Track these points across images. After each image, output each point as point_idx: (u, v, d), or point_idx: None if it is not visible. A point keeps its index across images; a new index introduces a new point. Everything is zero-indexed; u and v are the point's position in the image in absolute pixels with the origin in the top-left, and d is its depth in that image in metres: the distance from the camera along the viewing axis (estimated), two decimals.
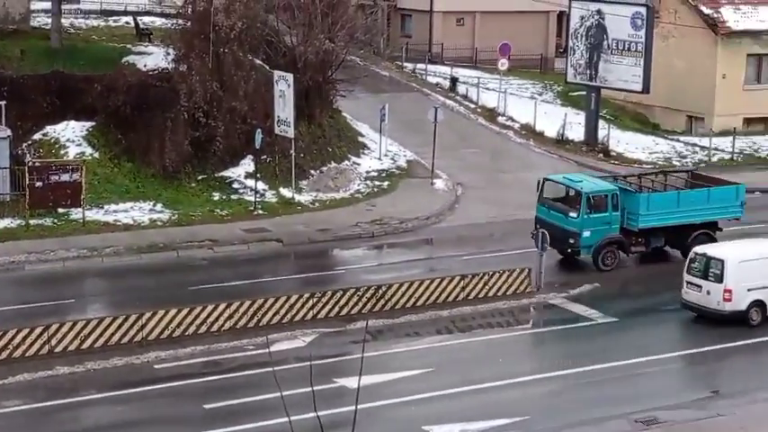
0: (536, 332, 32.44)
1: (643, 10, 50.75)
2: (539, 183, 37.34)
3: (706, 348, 29.93)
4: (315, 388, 13.63)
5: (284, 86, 42.44)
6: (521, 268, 34.08)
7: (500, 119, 56.96)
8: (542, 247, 33.79)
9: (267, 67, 46.66)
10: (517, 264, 34.65)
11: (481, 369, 28.37)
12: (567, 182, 36.94)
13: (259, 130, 41.30)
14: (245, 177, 43.17)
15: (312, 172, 45.16)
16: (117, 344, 28.85)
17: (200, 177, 43.16)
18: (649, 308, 33.93)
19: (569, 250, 35.94)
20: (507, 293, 33.64)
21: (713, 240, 36.30)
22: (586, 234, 35.48)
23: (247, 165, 43.52)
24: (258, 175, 42.34)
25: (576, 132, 53.98)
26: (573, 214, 35.56)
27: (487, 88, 61.02)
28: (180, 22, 46.75)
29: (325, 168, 45.71)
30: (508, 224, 41.02)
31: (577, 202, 35.66)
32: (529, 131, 55.05)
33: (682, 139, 55.89)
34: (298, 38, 47.67)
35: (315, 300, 31.26)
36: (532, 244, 34.21)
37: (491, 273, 33.72)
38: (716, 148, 52.99)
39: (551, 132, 54.21)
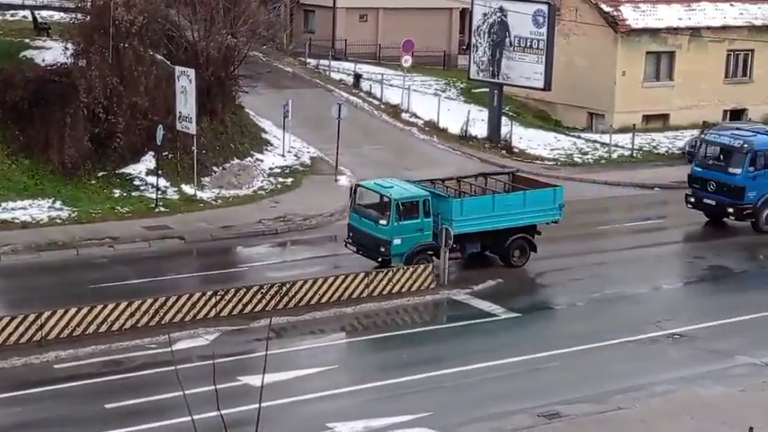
0: (440, 328, 32.54)
1: (545, 8, 51.23)
2: (351, 189, 36.54)
3: (605, 343, 30.26)
4: (218, 386, 13.45)
5: (186, 82, 42.05)
6: (425, 265, 34.17)
7: (404, 115, 57.11)
8: (446, 243, 33.91)
9: (168, 63, 46.19)
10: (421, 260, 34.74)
11: (385, 366, 28.38)
12: (378, 188, 35.23)
13: (160, 126, 40.86)
14: (147, 174, 42.71)
15: (214, 168, 44.83)
16: (15, 344, 28.31)
17: (100, 174, 42.58)
18: (552, 303, 34.31)
19: (380, 259, 34.62)
20: (412, 290, 33.70)
21: (532, 245, 36.01)
22: (397, 242, 34.14)
23: (148, 161, 43.06)
24: (159, 172, 41.90)
25: (480, 129, 54.33)
26: (383, 221, 34.15)
27: (391, 85, 61.16)
28: (79, 16, 46.04)
29: (227, 165, 45.39)
30: None
31: (387, 209, 34.19)
32: (432, 128, 55.27)
33: (583, 135, 56.60)
34: (199, 33, 47.26)
35: (218, 298, 31.00)
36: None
37: (395, 269, 33.77)
38: (616, 145, 53.70)
39: (455, 129, 54.49)
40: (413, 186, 35.56)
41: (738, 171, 40.47)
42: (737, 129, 43.97)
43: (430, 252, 34.78)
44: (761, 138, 41.51)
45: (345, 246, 35.41)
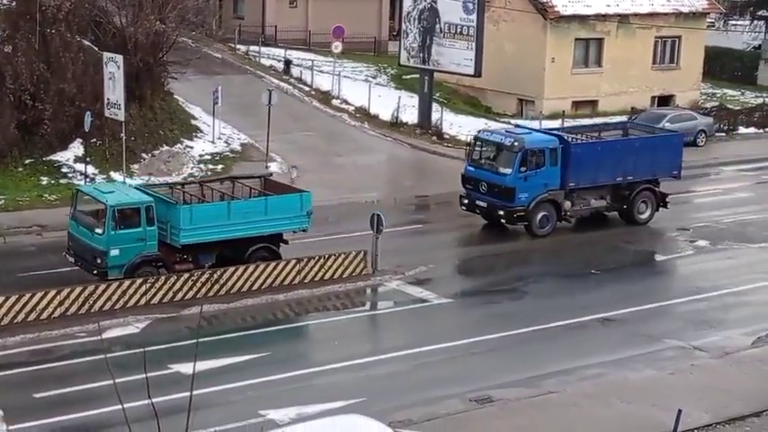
0: (372, 314, 32.56)
1: None
2: (73, 194, 33.54)
3: (536, 327, 30.44)
4: (149, 374, 13.31)
5: (114, 68, 41.57)
6: (357, 251, 34.14)
7: (334, 102, 57.03)
8: (377, 229, 33.89)
9: (96, 49, 45.72)
10: (353, 246, 34.70)
11: (317, 352, 28.34)
12: (95, 193, 32.05)
13: (88, 112, 40.41)
14: (75, 161, 42.27)
15: (144, 155, 44.45)
16: None
17: (27, 161, 42.08)
18: (483, 288, 34.43)
19: (95, 271, 31.31)
20: (344, 276, 33.68)
21: (276, 255, 33.27)
22: (114, 252, 30.95)
23: (76, 148, 42.62)
24: (88, 159, 41.47)
25: (410, 115, 54.41)
26: (98, 230, 31.00)
27: (322, 71, 61.03)
28: (4, 1, 45.46)
29: (157, 152, 45.04)
30: (344, 207, 41.16)
31: (103, 217, 30.99)
32: (363, 114, 55.24)
33: (513, 121, 56.82)
34: (127, 18, 46.81)
35: (148, 285, 30.73)
36: (368, 227, 34.27)
37: (327, 256, 33.70)
38: None
39: (386, 115, 54.52)
40: (135, 192, 32.58)
41: (509, 171, 38.05)
42: (517, 125, 41.91)
43: (157, 264, 31.79)
44: (533, 136, 39.29)
45: (65, 257, 32.49)
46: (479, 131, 41.31)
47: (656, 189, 40.90)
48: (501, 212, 38.30)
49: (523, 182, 38.04)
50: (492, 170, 38.60)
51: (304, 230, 33.84)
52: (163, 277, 31.17)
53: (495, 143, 38.96)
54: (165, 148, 45.58)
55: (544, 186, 38.38)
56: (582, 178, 39.00)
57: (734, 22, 77.85)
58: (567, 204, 39.08)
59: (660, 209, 40.88)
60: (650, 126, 45.43)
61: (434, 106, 54.43)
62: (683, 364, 28.19)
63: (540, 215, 38.49)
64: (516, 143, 38.17)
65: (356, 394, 25.66)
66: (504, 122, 56.19)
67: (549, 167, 38.35)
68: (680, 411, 21.01)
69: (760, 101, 63.74)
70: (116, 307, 30.19)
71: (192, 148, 46.69)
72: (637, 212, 40.49)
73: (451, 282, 34.43)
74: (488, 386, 26.33)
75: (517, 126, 41.02)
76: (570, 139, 39.71)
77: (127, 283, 30.54)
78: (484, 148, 39.39)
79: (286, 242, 33.93)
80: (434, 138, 52.45)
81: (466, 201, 39.42)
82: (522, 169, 38.00)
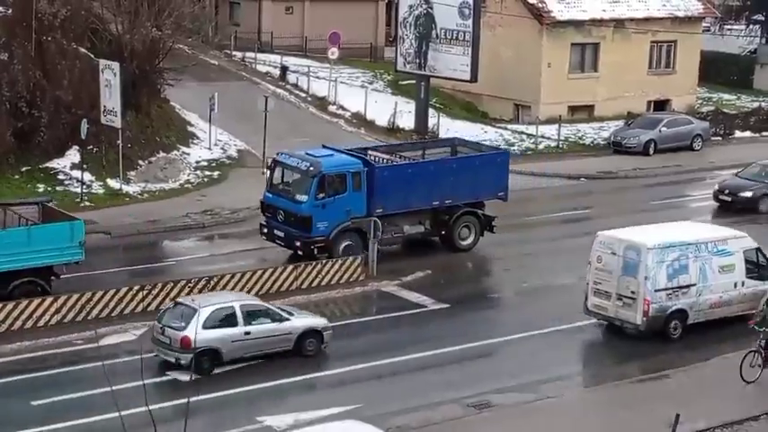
0: (369, 320, 32.51)
1: (470, 0, 51.40)
2: None
3: (534, 332, 30.44)
4: (146, 381, 13.34)
5: (110, 75, 41.61)
6: (354, 257, 34.14)
7: (331, 108, 57.04)
8: (375, 234, 33.89)
9: (92, 56, 45.67)
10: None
11: (314, 358, 28.29)
12: None
13: (85, 120, 40.43)
14: (71, 168, 42.25)
15: (140, 162, 44.44)
16: None
17: (23, 169, 42.05)
18: (480, 294, 34.45)
19: None
20: (341, 282, 33.68)
21: (45, 291, 30.27)
22: None
23: (73, 156, 42.61)
24: (84, 166, 41.47)
25: (407, 121, 54.43)
26: None
27: (318, 77, 61.03)
28: (0, 9, 45.40)
29: (153, 159, 45.03)
30: None
31: None
32: (360, 120, 55.26)
33: (509, 127, 56.92)
34: (124, 26, 46.81)
35: (145, 292, 30.73)
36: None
37: (324, 261, 33.71)
38: (542, 136, 54.10)
39: (382, 121, 54.53)
40: None
41: (305, 198, 34.30)
42: (324, 146, 37.19)
43: None
44: (332, 159, 35.18)
45: None
46: (278, 153, 36.84)
47: (481, 212, 37.33)
48: (298, 243, 34.59)
49: (321, 210, 34.29)
50: (288, 197, 34.96)
51: (77, 263, 31.06)
52: (159, 284, 31.16)
53: (292, 167, 35.21)
54: (162, 154, 45.57)
55: (347, 214, 34.65)
56: (391, 203, 35.29)
57: (729, 27, 77.83)
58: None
59: (486, 233, 37.46)
60: (479, 144, 41.92)
61: (431, 112, 54.43)
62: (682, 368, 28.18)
63: (342, 245, 34.79)
64: (312, 167, 34.39)
65: (353, 400, 25.66)
66: (500, 127, 56.29)
67: (352, 193, 34.63)
68: (677, 416, 21.05)
69: (756, 105, 63.76)
70: (113, 314, 30.19)
71: (188, 154, 46.69)
72: (458, 238, 36.72)
73: (448, 287, 34.39)
74: (486, 391, 26.34)
75: (324, 147, 36.85)
76: (376, 162, 36.38)
77: (124, 290, 30.53)
78: (281, 173, 35.72)
79: (57, 276, 31.08)
80: None
81: (265, 230, 35.71)
82: (320, 196, 34.22)
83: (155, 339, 27.30)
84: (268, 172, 36.48)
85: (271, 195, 35.65)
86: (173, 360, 26.63)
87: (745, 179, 44.22)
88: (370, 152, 37.53)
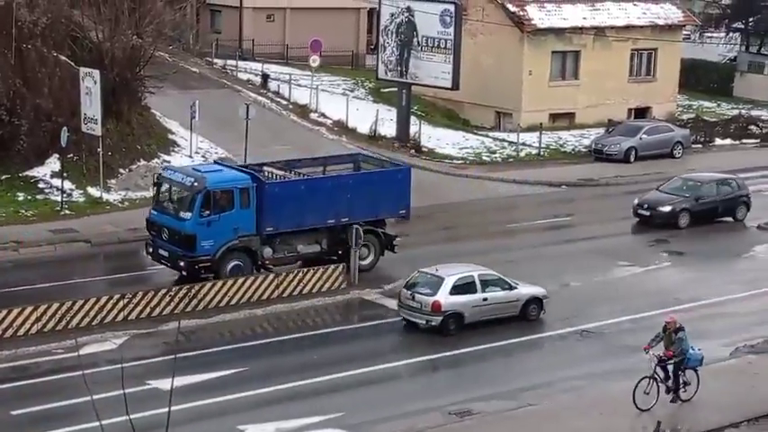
0: (350, 328, 32.45)
1: (452, 7, 51.51)
2: None
3: (515, 340, 30.47)
4: (127, 390, 13.27)
5: (91, 83, 41.47)
6: (335, 265, 34.09)
7: (312, 115, 57.00)
8: (356, 242, 33.84)
9: (73, 64, 45.52)
10: (332, 260, 34.66)
11: (295, 367, 28.24)
12: None
13: (65, 128, 40.27)
14: (51, 177, 42.09)
15: (121, 170, 44.30)
16: None
17: (3, 177, 41.88)
18: None
19: None
20: (322, 290, 33.61)
21: None
22: None
23: (53, 164, 42.44)
24: (65, 174, 41.31)
25: (389, 128, 54.43)
26: None
27: (299, 85, 61.02)
28: None
29: (134, 167, 44.89)
30: None
31: None
32: (341, 128, 55.23)
33: (491, 134, 56.99)
34: (104, 33, 46.67)
35: (125, 301, 30.62)
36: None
37: (306, 270, 33.64)
38: (523, 144, 54.16)
39: (364, 129, 54.52)
40: None
41: (188, 216, 32.80)
42: (216, 162, 36.68)
43: None
44: (219, 174, 33.71)
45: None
46: (163, 169, 36.35)
47: (381, 231, 35.79)
48: (182, 263, 32.93)
49: (206, 227, 32.76)
50: (172, 214, 33.49)
51: None
52: (140, 293, 31.05)
53: (177, 183, 33.70)
54: (143, 162, 45.44)
55: (234, 232, 33.18)
56: (283, 221, 33.83)
57: (709, 35, 78.19)
58: (268, 251, 33.88)
59: (387, 252, 36.01)
60: (382, 160, 39.95)
61: (412, 119, 54.44)
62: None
63: (230, 265, 33.30)
64: (196, 183, 32.86)
65: (335, 408, 25.61)
66: (482, 135, 56.35)
67: (240, 210, 33.12)
68: (659, 423, 21.08)
69: (736, 112, 64.02)
70: (93, 323, 30.06)
71: (169, 162, 46.50)
72: (356, 258, 34.51)
73: None
74: (468, 399, 26.32)
75: (216, 162, 36.07)
76: (268, 178, 34.99)
77: (104, 299, 30.41)
78: (167, 189, 34.22)
79: None
80: (413, 151, 52.44)
81: (150, 249, 34.16)
82: (205, 213, 32.68)
83: (403, 304, 31.01)
84: (154, 189, 34.94)
85: (156, 213, 34.18)
86: (423, 322, 30.49)
87: (665, 193, 43.13)
88: (265, 168, 35.92)
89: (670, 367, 25.78)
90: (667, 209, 42.29)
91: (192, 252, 32.84)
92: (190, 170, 34.58)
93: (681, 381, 25.85)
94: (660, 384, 25.56)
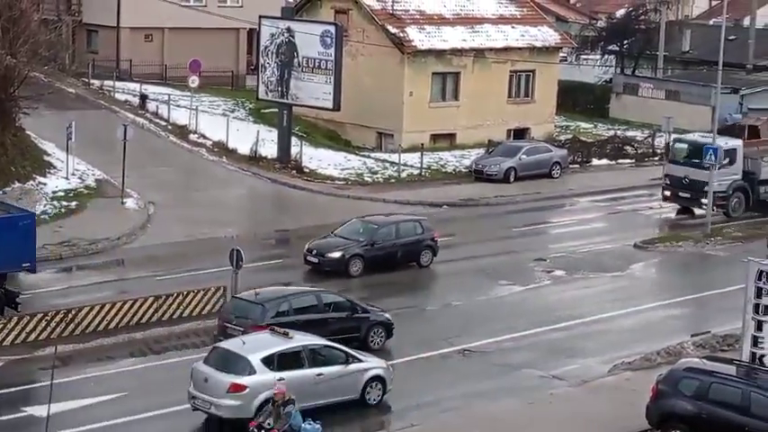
0: None
1: (332, 28, 51.59)
2: None
3: (397, 360, 30.43)
4: (1, 418, 12.85)
5: None
6: (216, 287, 33.74)
7: (192, 136, 56.51)
8: (237, 264, 33.52)
9: None
10: (212, 283, 34.28)
11: (177, 391, 27.77)
12: None
13: None
14: None
15: None
16: None
17: None
18: None
19: None
20: (203, 313, 33.25)
21: None
22: None
23: None
24: None
25: (270, 149, 54.19)
26: None
27: (179, 105, 60.45)
28: None
29: (8, 189, 43.94)
30: (202, 243, 40.70)
31: None
32: (222, 149, 54.84)
33: (372, 155, 57.09)
34: None
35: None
36: (227, 263, 33.83)
37: (185, 292, 33.24)
38: (405, 164, 54.34)
39: (244, 149, 54.19)
40: None
41: None
42: None
43: None
44: None
45: None
46: None
47: (1, 286, 31.95)
48: None
49: None
50: None
51: None
52: (15, 317, 30.31)
53: None
54: (18, 184, 44.51)
55: None
56: None
57: (585, 57, 79.58)
58: None
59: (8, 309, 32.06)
60: (6, 204, 35.82)
61: (294, 140, 54.27)
62: (542, 393, 28.45)
63: None
64: None
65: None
66: (364, 156, 56.40)
67: None
68: None
69: (612, 133, 65.11)
70: None
71: (45, 184, 45.66)
72: None
73: None
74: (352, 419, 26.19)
75: None
76: None
77: None
78: None
79: None
80: (294, 172, 52.27)
81: None
82: None
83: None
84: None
85: None
86: None
87: (339, 237, 38.62)
88: None
89: None
90: (336, 255, 37.82)
91: None
92: None
93: None
94: None
